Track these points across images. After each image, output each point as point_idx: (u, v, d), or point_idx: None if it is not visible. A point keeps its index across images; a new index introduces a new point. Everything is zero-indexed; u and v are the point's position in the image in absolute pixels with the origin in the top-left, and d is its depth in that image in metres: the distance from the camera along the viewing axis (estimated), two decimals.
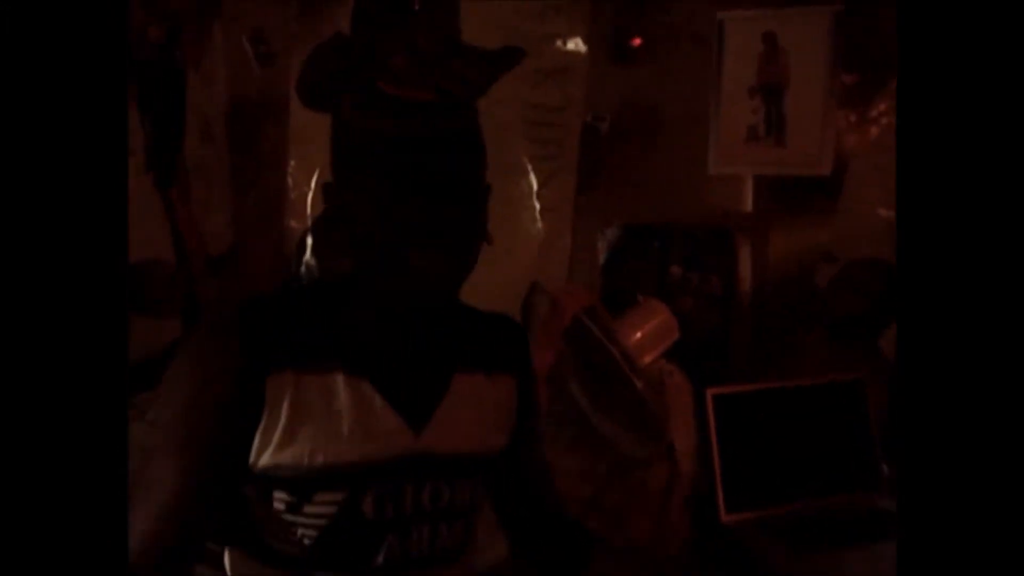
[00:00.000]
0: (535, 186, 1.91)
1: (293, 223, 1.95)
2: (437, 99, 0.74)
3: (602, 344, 1.23)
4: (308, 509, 0.76)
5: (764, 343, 1.71)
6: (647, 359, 1.35)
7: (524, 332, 0.97)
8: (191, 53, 1.83)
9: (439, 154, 0.74)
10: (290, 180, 1.99)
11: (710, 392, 1.39)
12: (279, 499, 0.76)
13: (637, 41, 1.77)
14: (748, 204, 1.74)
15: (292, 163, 1.99)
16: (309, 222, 1.83)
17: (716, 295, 1.74)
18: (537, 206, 1.91)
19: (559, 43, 1.85)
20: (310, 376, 0.76)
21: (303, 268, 1.91)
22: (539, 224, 1.90)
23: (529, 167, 1.91)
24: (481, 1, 1.59)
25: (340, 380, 0.78)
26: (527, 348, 0.95)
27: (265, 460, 0.75)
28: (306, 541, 0.76)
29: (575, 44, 1.84)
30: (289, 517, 0.76)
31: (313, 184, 1.93)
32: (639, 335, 1.35)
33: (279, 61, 2.01)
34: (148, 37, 1.59)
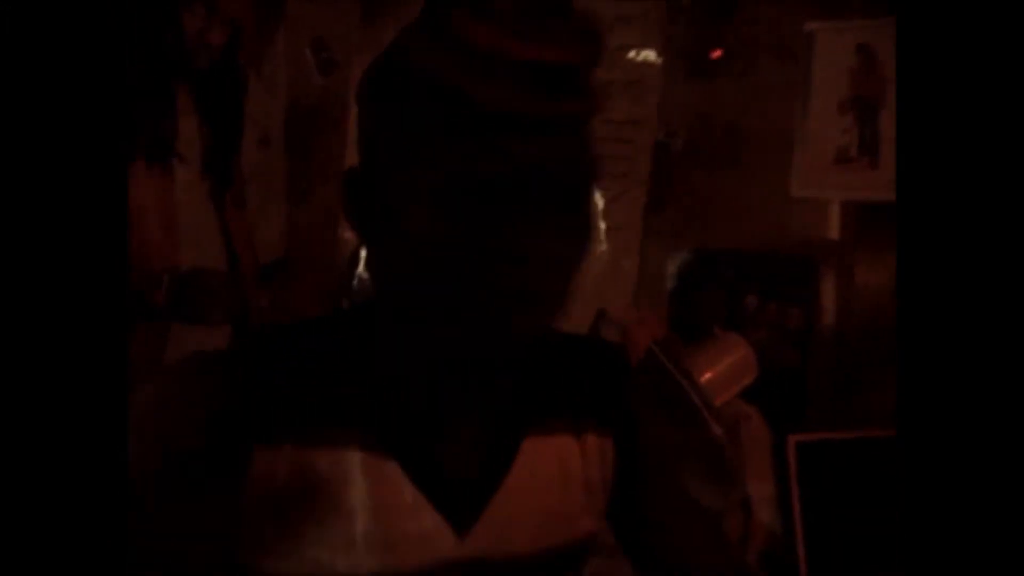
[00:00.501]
0: (601, 204, 1.82)
1: (347, 234, 1.92)
2: (573, 59, 0.49)
3: (678, 382, 1.11)
4: None
5: (847, 384, 1.57)
6: (722, 399, 1.23)
7: (627, 364, 0.73)
8: (252, 59, 1.82)
9: (546, 147, 0.50)
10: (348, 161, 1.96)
11: (793, 439, 1.27)
12: None
13: (717, 53, 1.68)
14: (834, 231, 1.61)
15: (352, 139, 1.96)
16: None
17: (795, 329, 1.61)
18: (603, 225, 1.82)
19: (632, 54, 1.77)
20: (315, 451, 0.55)
21: (355, 283, 1.87)
22: (604, 245, 1.81)
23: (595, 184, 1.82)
24: None
25: (356, 458, 0.56)
26: (630, 386, 0.70)
27: (245, 566, 0.55)
28: None
29: (649, 55, 1.76)
30: None
31: None
32: (714, 373, 1.24)
33: (340, 69, 2.00)
34: (208, 40, 1.56)
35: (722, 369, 1.26)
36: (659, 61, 1.74)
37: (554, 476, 0.62)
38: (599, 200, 1.83)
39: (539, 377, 0.64)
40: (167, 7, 1.47)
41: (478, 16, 0.49)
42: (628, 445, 0.67)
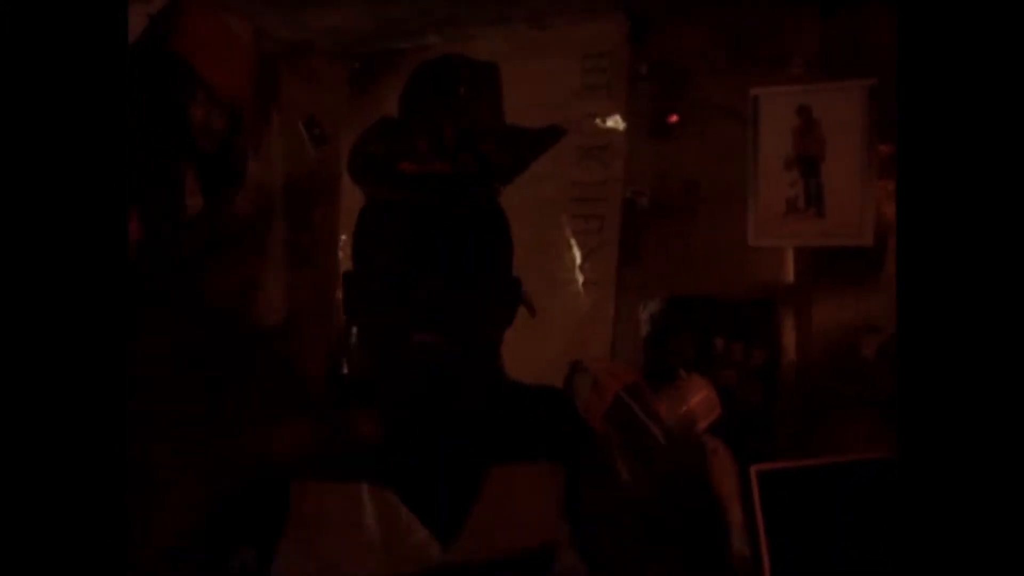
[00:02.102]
0: (578, 260, 1.95)
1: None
2: (453, 170, 0.76)
3: (644, 424, 1.23)
4: None
5: (810, 417, 1.68)
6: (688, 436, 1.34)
7: (572, 406, 0.89)
8: (250, 138, 1.94)
9: (453, 230, 0.72)
10: (341, 255, 2.07)
11: (754, 469, 1.38)
12: None
13: (674, 118, 1.82)
14: (790, 276, 1.74)
15: (343, 239, 2.08)
16: None
17: (760, 367, 1.73)
18: (580, 279, 1.95)
19: (599, 121, 1.92)
20: (333, 486, 0.73)
21: (352, 340, 1.97)
22: (582, 298, 1.94)
23: (573, 241, 1.96)
24: (523, 84, 1.67)
25: (364, 491, 0.74)
26: (577, 425, 0.87)
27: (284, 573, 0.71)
28: None
29: (614, 122, 1.90)
30: None
31: None
32: (679, 412, 1.35)
33: (331, 142, 2.13)
34: (211, 127, 1.68)
35: (688, 409, 1.38)
36: (623, 126, 1.89)
37: (516, 495, 0.81)
38: (576, 256, 1.96)
39: (495, 424, 0.83)
40: (173, 97, 1.60)
41: (405, 155, 0.76)
42: (575, 478, 0.85)
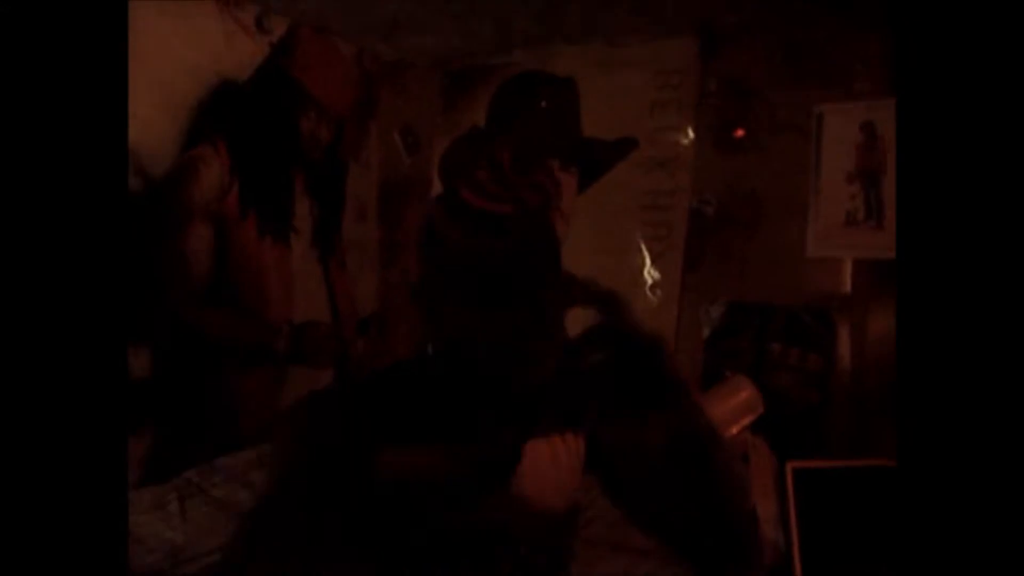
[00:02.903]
0: (647, 264, 2.06)
1: None
2: (512, 211, 0.83)
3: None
4: None
5: (863, 423, 1.74)
6: (730, 431, 1.46)
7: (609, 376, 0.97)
8: (351, 148, 2.13)
9: (503, 264, 0.82)
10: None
11: (790, 465, 1.46)
12: None
13: (740, 132, 1.89)
14: (847, 286, 1.78)
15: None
16: None
17: (815, 372, 1.79)
18: (648, 282, 2.06)
19: (668, 134, 2.02)
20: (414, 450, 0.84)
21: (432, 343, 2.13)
22: (648, 298, 2.05)
23: (642, 245, 2.07)
24: (599, 99, 1.79)
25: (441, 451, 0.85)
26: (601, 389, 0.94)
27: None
28: None
29: (683, 135, 2.00)
30: None
31: None
32: (722, 409, 1.46)
33: (424, 150, 2.31)
34: (318, 137, 1.86)
35: (731, 406, 1.49)
36: (691, 139, 1.98)
37: (549, 462, 0.89)
38: (646, 259, 2.07)
39: (539, 400, 0.92)
40: (287, 113, 1.76)
41: (467, 183, 0.86)
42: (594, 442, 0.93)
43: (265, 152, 1.74)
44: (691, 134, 1.99)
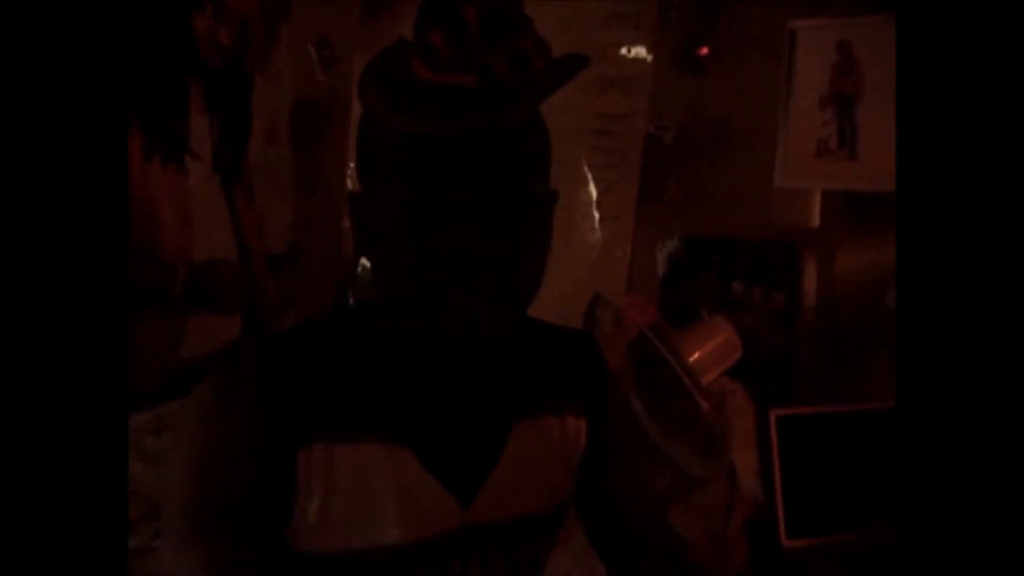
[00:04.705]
0: (595, 195, 1.90)
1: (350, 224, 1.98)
2: (480, 85, 0.56)
3: (667, 361, 1.20)
4: None
5: (830, 364, 1.66)
6: (709, 377, 1.32)
7: (599, 352, 0.81)
8: (258, 57, 1.87)
9: (482, 160, 0.57)
10: (350, 182, 2.01)
11: (774, 413, 1.36)
12: None
13: (705, 50, 1.75)
14: (815, 219, 1.70)
15: (352, 165, 2.02)
16: None
17: (779, 312, 1.69)
18: (597, 215, 1.90)
19: (624, 51, 1.85)
20: (342, 447, 0.64)
21: (359, 270, 1.93)
22: (598, 233, 1.89)
23: (590, 175, 1.90)
24: (543, 4, 1.59)
25: (376, 450, 0.65)
26: (603, 372, 0.80)
27: (299, 546, 0.64)
28: None
29: (640, 52, 1.83)
30: None
31: None
32: (701, 353, 1.32)
33: (342, 65, 2.06)
34: (218, 40, 1.60)
35: (709, 350, 1.35)
36: (650, 57, 1.82)
37: (540, 453, 0.72)
38: (593, 191, 1.91)
39: (523, 367, 0.73)
40: (178, 9, 1.52)
41: (416, 53, 0.59)
42: (598, 428, 0.78)
43: (150, 53, 1.48)
44: (649, 52, 1.82)
